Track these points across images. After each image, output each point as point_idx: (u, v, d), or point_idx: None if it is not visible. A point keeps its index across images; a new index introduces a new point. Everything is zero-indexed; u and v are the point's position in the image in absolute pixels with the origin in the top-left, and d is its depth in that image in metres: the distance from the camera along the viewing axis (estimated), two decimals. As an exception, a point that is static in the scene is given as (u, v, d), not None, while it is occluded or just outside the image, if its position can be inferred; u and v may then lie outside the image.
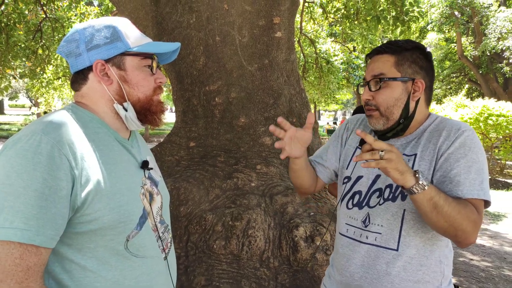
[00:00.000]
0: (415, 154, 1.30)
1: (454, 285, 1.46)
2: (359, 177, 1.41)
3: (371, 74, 1.33)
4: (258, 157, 3.22)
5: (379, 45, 1.41)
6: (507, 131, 10.28)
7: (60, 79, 11.05)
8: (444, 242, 1.31)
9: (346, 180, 1.47)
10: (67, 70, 10.80)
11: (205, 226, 2.70)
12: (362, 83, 1.40)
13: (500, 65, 18.40)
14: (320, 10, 10.72)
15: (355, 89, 21.13)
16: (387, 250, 1.29)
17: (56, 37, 8.68)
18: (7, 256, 0.85)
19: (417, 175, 1.10)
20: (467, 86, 21.60)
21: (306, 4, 9.89)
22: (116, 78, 1.08)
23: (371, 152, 1.10)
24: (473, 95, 21.74)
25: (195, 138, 3.37)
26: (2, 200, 0.86)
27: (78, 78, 1.10)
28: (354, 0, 8.09)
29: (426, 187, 1.10)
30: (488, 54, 17.64)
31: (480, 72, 19.14)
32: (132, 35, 1.10)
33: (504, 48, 16.13)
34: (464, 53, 19.13)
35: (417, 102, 1.31)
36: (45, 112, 17.54)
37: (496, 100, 11.40)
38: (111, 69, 1.07)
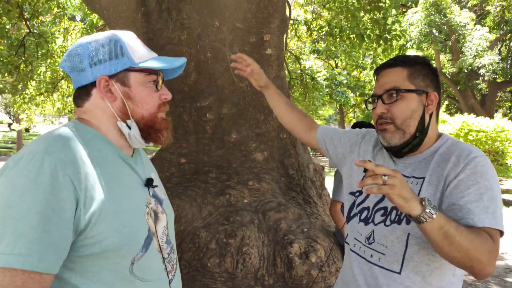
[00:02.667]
0: (423, 177, 1.25)
1: None
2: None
3: (384, 88, 1.29)
4: (250, 173, 3.21)
5: (386, 60, 1.38)
6: (486, 146, 10.54)
7: (43, 95, 10.88)
8: (451, 271, 1.25)
9: (357, 193, 1.44)
10: (50, 86, 10.65)
11: (199, 244, 2.67)
12: (369, 99, 1.38)
13: (476, 81, 18.98)
14: (304, 28, 10.90)
15: (337, 105, 21.42)
16: (389, 272, 1.26)
17: (40, 52, 8.58)
18: (9, 285, 0.81)
19: (423, 203, 1.04)
20: (446, 102, 22.13)
21: (291, 21, 10.06)
22: (120, 95, 1.03)
23: (373, 177, 1.04)
24: (452, 111, 22.28)
25: (186, 155, 3.35)
26: (3, 224, 0.82)
27: (81, 94, 1.05)
28: (338, 18, 8.26)
29: (434, 216, 1.04)
30: (466, 71, 18.18)
31: (458, 88, 19.67)
32: (138, 49, 1.06)
33: (480, 66, 16.65)
34: (443, 70, 19.66)
35: (430, 115, 1.29)
36: (26, 129, 17.15)
37: (475, 116, 11.71)
38: (115, 85, 1.03)
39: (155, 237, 1.06)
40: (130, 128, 1.06)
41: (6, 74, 8.42)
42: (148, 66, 1.05)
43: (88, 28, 9.99)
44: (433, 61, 20.83)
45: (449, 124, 11.27)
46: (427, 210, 1.03)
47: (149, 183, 1.11)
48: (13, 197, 0.83)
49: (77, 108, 1.08)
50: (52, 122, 14.47)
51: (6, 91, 10.13)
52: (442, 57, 20.65)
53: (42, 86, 10.50)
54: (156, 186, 1.16)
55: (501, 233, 1.13)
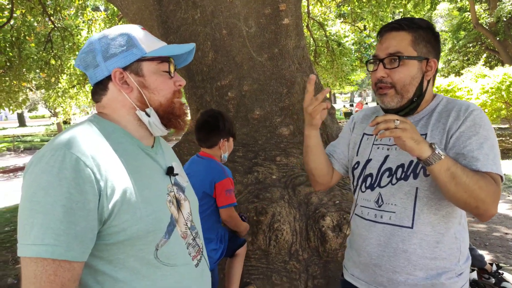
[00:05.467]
0: (425, 134, 1.31)
1: (496, 264, 1.44)
2: (368, 161, 1.43)
3: (387, 52, 1.30)
4: (276, 148, 3.16)
5: (391, 21, 1.38)
6: (531, 98, 9.90)
7: (75, 87, 11.18)
8: (457, 219, 1.32)
9: (356, 165, 1.48)
10: (81, 78, 10.91)
11: (230, 224, 2.67)
12: (371, 60, 1.38)
13: (518, 29, 17.77)
14: (327, -8, 10.50)
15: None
16: (402, 228, 1.30)
17: (67, 45, 8.75)
18: (42, 273, 0.85)
19: (433, 146, 1.13)
20: (485, 55, 20.92)
21: (312, -13, 9.70)
22: (136, 85, 1.07)
23: (385, 121, 1.12)
24: (492, 63, 21.07)
25: (211, 135, 3.33)
26: (31, 218, 0.86)
27: (98, 89, 1.10)
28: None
29: (442, 157, 1.12)
30: (505, 19, 17.02)
31: (498, 39, 18.49)
32: (147, 40, 1.10)
33: (521, 12, 15.53)
34: (479, 21, 18.51)
35: (428, 81, 1.33)
36: (64, 122, 17.81)
37: (517, 66, 10.99)
38: (129, 77, 1.07)
39: (178, 224, 1.10)
40: (149, 116, 1.09)
41: (38, 70, 8.68)
42: (159, 54, 1.09)
43: (110, 17, 10.06)
44: (468, 13, 19.66)
45: (489, 77, 10.64)
46: (436, 152, 1.12)
47: (170, 171, 1.15)
48: (38, 193, 0.87)
49: (96, 104, 1.13)
50: (88, 113, 14.96)
51: (41, 86, 10.47)
52: (477, 7, 19.41)
53: (73, 78, 10.80)
54: (177, 174, 1.19)
55: (501, 178, 1.21)
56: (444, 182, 1.14)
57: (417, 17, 1.45)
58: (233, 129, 2.29)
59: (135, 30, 1.10)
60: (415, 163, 1.30)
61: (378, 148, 1.42)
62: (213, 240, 2.18)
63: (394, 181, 1.33)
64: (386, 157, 1.37)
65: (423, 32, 1.30)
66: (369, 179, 1.41)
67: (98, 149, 0.96)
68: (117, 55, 1.05)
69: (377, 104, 1.47)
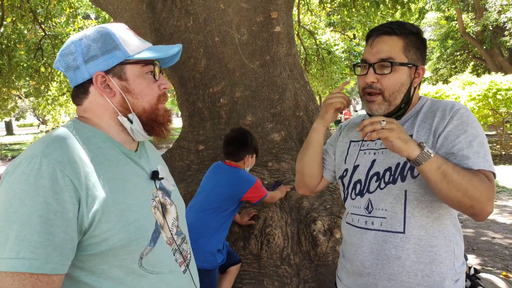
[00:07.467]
0: (411, 135, 1.29)
1: (475, 269, 1.45)
2: (356, 167, 1.40)
3: (378, 56, 1.26)
4: (268, 154, 3.19)
5: (381, 24, 1.34)
6: (517, 105, 10.09)
7: (65, 95, 11.12)
8: (450, 221, 1.29)
9: (344, 173, 1.45)
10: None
11: (222, 228, 2.69)
12: (359, 64, 1.35)
13: (503, 38, 18.15)
14: (317, 1, 10.64)
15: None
16: (393, 233, 1.27)
17: (57, 53, 8.73)
18: None
19: (421, 145, 1.11)
20: (472, 63, 21.28)
21: (302, -4, 9.83)
22: (119, 89, 1.02)
23: (371, 122, 1.11)
24: (479, 71, 21.43)
25: (203, 141, 3.36)
26: (7, 230, 0.82)
27: (79, 92, 1.04)
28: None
29: (432, 155, 1.10)
30: (491, 28, 17.39)
31: (484, 47, 18.84)
32: (131, 41, 1.04)
33: (506, 20, 15.89)
34: (466, 30, 18.86)
35: (415, 88, 1.32)
36: (53, 129, 17.68)
37: (503, 74, 11.21)
38: (112, 80, 1.01)
39: (163, 230, 1.06)
40: (131, 122, 1.04)
41: (27, 78, 8.64)
42: (143, 57, 1.03)
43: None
44: (455, 22, 20.02)
45: (476, 85, 10.84)
46: (425, 150, 1.10)
47: (154, 176, 1.10)
48: (14, 203, 0.83)
49: (77, 107, 1.07)
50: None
51: (31, 94, 10.40)
52: (464, 16, 19.79)
53: (63, 86, 10.75)
54: (162, 178, 1.14)
55: (494, 175, 1.19)
56: (435, 182, 1.12)
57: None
58: (258, 147, 2.53)
59: (119, 30, 1.04)
60: (402, 165, 1.27)
61: (364, 153, 1.39)
62: (221, 241, 2.31)
63: (382, 185, 1.30)
64: (373, 161, 1.35)
65: (414, 37, 1.28)
66: (358, 186, 1.37)
67: (77, 156, 0.91)
68: (98, 57, 0.99)
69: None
